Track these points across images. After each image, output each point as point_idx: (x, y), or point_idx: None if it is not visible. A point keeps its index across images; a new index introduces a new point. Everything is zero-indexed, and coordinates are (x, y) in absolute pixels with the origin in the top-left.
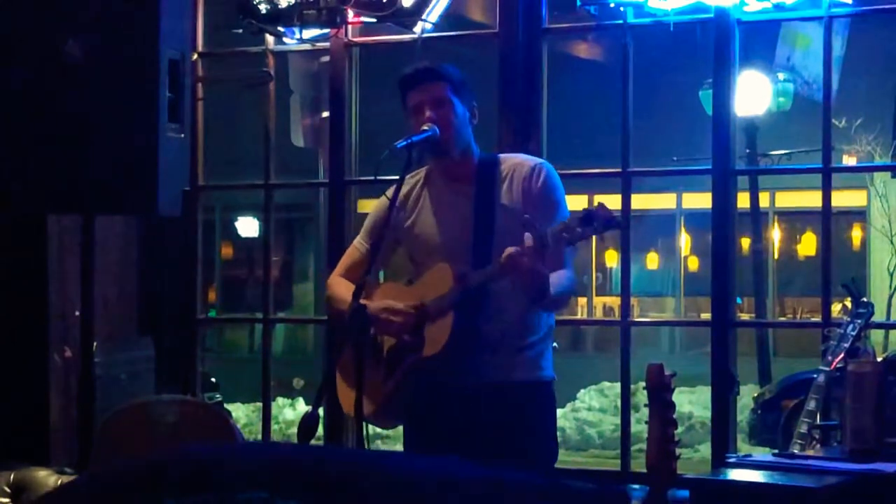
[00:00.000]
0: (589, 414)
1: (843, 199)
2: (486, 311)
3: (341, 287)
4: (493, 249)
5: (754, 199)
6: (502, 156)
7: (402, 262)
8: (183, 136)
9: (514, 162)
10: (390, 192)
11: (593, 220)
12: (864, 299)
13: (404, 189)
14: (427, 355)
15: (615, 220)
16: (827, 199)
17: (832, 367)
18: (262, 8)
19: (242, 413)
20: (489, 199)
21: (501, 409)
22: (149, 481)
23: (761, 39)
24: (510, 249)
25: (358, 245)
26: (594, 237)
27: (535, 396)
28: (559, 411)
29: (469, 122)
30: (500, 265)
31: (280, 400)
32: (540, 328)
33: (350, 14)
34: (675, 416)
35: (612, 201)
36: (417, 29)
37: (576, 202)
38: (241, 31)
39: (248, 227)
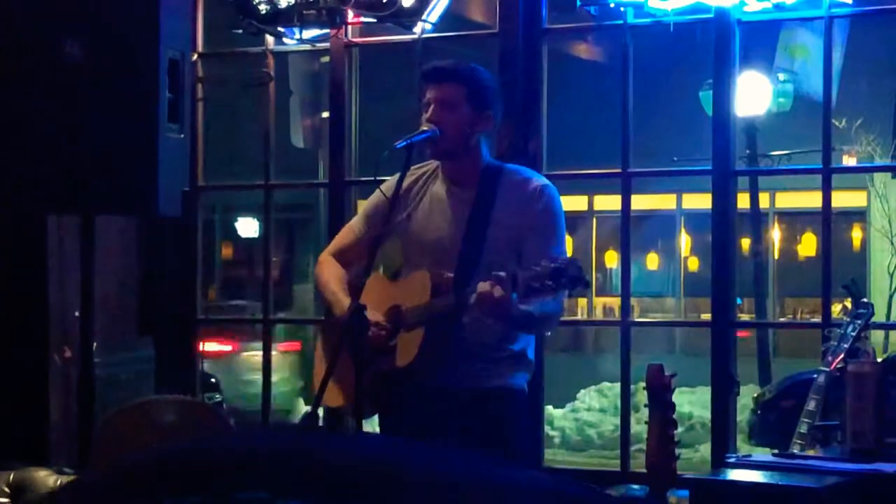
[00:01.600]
0: (589, 414)
1: (843, 199)
2: (465, 322)
3: (329, 269)
4: (479, 263)
5: (754, 200)
6: (509, 167)
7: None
8: (183, 136)
9: (518, 178)
10: (386, 186)
11: (562, 276)
12: (864, 300)
13: (409, 179)
14: (399, 366)
15: (583, 280)
16: (827, 199)
17: (832, 367)
18: (262, 8)
19: None
20: (486, 211)
21: (472, 414)
22: (148, 479)
23: (761, 40)
24: (482, 285)
25: (354, 228)
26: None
27: (498, 403)
28: (559, 412)
29: (481, 129)
30: (474, 301)
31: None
32: (520, 339)
33: (350, 14)
34: (675, 416)
35: (612, 202)
36: (417, 29)
37: (576, 202)
38: (240, 31)
39: (248, 227)
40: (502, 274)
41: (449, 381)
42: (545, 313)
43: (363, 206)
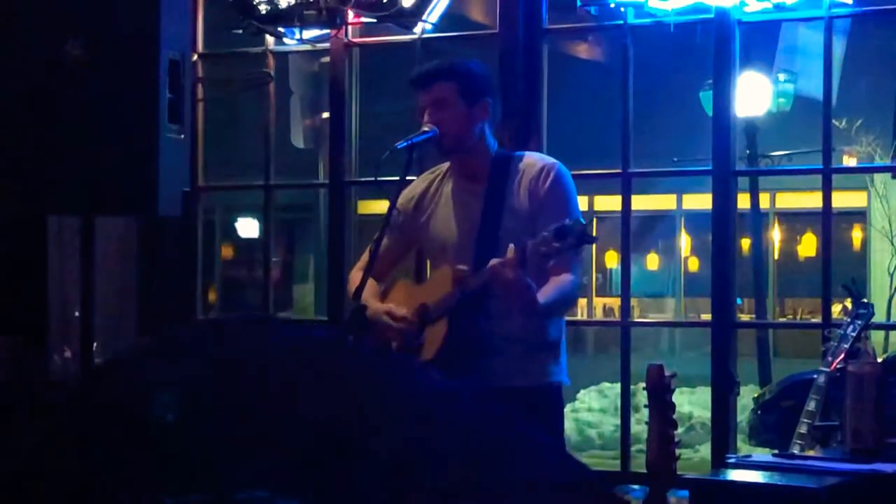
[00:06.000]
0: (589, 414)
1: (843, 199)
2: (490, 311)
3: (353, 282)
4: (496, 252)
5: (755, 200)
6: (519, 154)
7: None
8: (183, 136)
9: (527, 162)
10: (400, 197)
11: (567, 234)
12: (864, 300)
13: (423, 185)
14: (425, 359)
15: (588, 235)
16: (827, 199)
17: (832, 367)
18: (262, 8)
19: None
20: (498, 199)
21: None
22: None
23: (761, 40)
24: (494, 261)
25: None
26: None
27: (539, 401)
28: None
29: (480, 120)
30: (487, 275)
31: None
32: (549, 331)
33: (350, 14)
34: (675, 416)
35: (613, 202)
36: (417, 29)
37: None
38: (241, 31)
39: (248, 227)
40: (512, 246)
41: (484, 379)
42: (562, 294)
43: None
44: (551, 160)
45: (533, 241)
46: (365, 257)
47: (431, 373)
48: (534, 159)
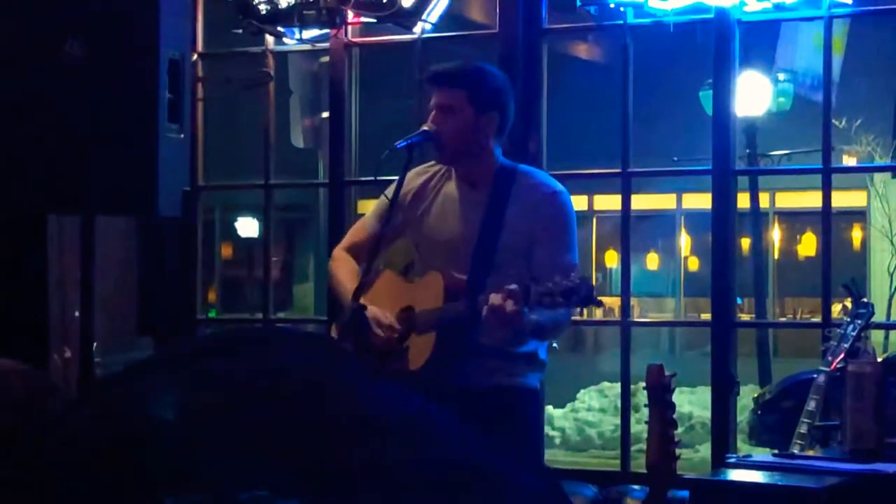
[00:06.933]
0: (589, 414)
1: (843, 199)
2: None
3: (343, 265)
4: (492, 266)
5: (754, 200)
6: (522, 169)
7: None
8: (183, 136)
9: (532, 182)
10: (390, 190)
11: (573, 295)
12: (864, 300)
13: (425, 176)
14: (409, 369)
15: (594, 300)
16: (827, 199)
17: (832, 367)
18: (262, 8)
19: None
20: (499, 214)
21: (489, 412)
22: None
23: (761, 40)
24: (494, 299)
25: (367, 225)
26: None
27: (513, 401)
28: (559, 412)
29: (485, 131)
30: (486, 313)
31: None
32: (532, 341)
33: (350, 14)
34: (675, 416)
35: (612, 201)
36: (417, 29)
37: (576, 202)
38: (240, 31)
39: (248, 227)
40: (515, 287)
41: (465, 379)
42: (555, 322)
43: (375, 203)
44: (556, 186)
45: (537, 287)
46: (350, 237)
47: (411, 395)
48: (539, 181)
